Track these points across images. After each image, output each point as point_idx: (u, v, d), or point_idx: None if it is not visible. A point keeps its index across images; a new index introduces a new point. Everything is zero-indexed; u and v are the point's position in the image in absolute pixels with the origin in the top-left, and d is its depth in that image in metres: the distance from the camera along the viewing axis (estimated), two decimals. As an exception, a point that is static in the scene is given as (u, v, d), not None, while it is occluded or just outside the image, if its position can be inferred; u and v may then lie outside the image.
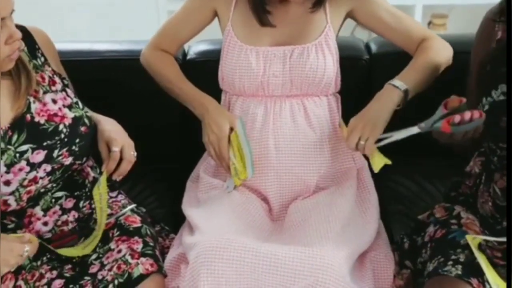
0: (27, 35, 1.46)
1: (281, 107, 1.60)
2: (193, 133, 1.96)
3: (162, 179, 1.97)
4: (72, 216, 1.49)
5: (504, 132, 1.28)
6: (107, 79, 1.90)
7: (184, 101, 1.67)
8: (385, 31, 1.64)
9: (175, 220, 1.73)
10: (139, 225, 1.50)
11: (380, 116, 1.49)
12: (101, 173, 1.47)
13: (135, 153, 1.49)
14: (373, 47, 1.95)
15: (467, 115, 1.32)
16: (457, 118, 1.31)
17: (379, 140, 1.47)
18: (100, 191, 1.47)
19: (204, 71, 1.82)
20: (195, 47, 1.96)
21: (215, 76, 1.70)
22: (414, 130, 1.38)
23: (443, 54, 1.60)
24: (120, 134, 1.51)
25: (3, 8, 1.26)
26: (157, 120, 1.95)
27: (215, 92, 1.71)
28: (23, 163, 1.38)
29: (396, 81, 1.54)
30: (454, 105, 1.33)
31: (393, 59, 1.86)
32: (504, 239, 1.36)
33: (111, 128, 1.51)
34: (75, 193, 1.50)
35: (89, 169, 1.56)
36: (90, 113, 1.55)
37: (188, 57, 1.91)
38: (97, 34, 3.09)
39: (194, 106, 1.63)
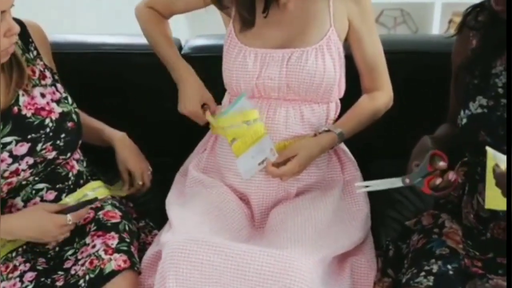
0: (22, 28, 1.48)
1: (276, 112, 1.57)
2: (187, 127, 1.95)
3: (158, 173, 1.96)
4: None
5: (483, 146, 1.24)
6: (102, 72, 1.90)
7: (165, 64, 1.69)
8: (359, 55, 1.63)
9: (164, 216, 1.72)
10: (118, 220, 1.50)
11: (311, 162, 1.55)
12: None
13: (150, 171, 1.70)
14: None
15: (449, 177, 1.30)
16: (438, 180, 1.30)
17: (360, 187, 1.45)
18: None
19: (199, 66, 1.79)
20: (191, 42, 1.95)
21: (208, 72, 1.68)
22: (397, 183, 1.35)
23: (384, 109, 1.67)
24: (139, 160, 1.68)
25: (4, 1, 1.29)
26: (152, 113, 1.95)
27: (208, 87, 1.69)
28: (5, 154, 1.40)
29: (340, 132, 1.56)
30: (439, 167, 1.30)
31: (397, 59, 1.83)
32: None
33: (131, 158, 1.67)
34: (57, 186, 1.52)
35: (74, 162, 1.58)
36: (103, 126, 1.70)
37: (183, 52, 1.90)
38: (109, 27, 3.09)
39: (174, 74, 1.66)
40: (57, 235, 1.43)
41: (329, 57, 1.54)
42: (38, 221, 1.40)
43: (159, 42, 1.69)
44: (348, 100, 1.66)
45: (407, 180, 1.33)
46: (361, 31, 1.59)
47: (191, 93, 1.61)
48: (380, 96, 1.65)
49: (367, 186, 1.41)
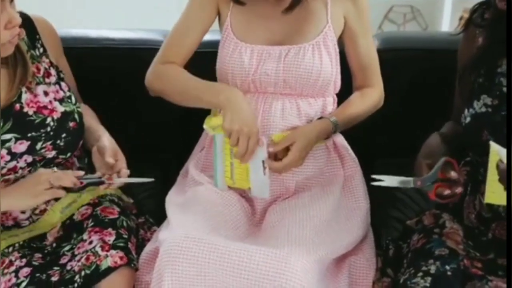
0: (29, 23, 1.47)
1: (272, 105, 1.56)
2: (189, 125, 1.95)
3: (157, 170, 1.96)
4: (51, 205, 1.50)
5: (487, 145, 1.22)
6: (104, 68, 1.89)
7: (204, 96, 1.52)
8: (352, 54, 1.64)
9: (164, 212, 1.71)
10: (116, 216, 1.48)
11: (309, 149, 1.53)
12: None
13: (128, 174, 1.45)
14: (376, 43, 1.87)
15: (456, 190, 1.29)
16: (446, 191, 1.29)
17: (372, 180, 1.42)
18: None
19: (199, 61, 1.77)
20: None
21: (209, 67, 1.66)
22: (408, 184, 1.34)
23: (374, 107, 1.67)
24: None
25: None
26: (154, 110, 1.93)
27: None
28: (3, 151, 1.40)
29: (334, 119, 1.56)
30: (450, 176, 1.29)
31: (396, 55, 1.82)
32: None
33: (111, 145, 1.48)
34: None
35: (74, 159, 1.57)
36: (98, 127, 1.55)
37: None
38: (116, 21, 3.10)
39: (219, 93, 1.49)
40: (41, 191, 1.36)
41: (325, 53, 1.55)
42: (21, 183, 1.38)
43: (189, 80, 1.56)
44: (345, 96, 1.65)
45: (419, 183, 1.32)
46: (356, 30, 1.60)
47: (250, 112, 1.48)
48: (371, 93, 1.66)
49: (379, 180, 1.38)
